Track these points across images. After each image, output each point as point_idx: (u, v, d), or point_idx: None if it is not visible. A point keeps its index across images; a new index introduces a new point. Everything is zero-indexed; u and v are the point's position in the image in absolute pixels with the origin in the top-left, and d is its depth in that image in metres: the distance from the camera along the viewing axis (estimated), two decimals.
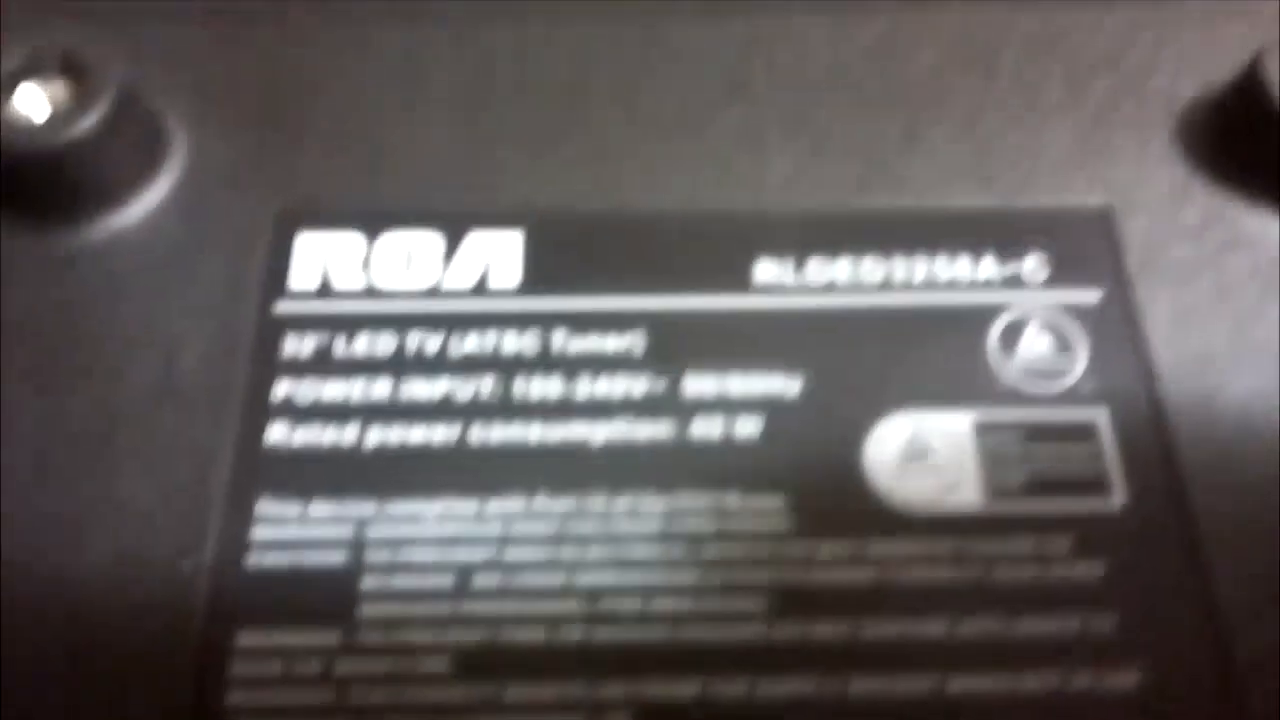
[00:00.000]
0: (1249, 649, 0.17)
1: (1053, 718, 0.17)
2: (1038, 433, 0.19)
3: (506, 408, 0.19)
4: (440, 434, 0.19)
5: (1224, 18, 0.24)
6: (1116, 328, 0.20)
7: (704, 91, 0.23)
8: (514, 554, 0.18)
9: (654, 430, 0.19)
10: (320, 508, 0.18)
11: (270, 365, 0.20)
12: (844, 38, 0.23)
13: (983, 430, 0.19)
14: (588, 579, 0.18)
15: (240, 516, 0.18)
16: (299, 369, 0.19)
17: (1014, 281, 0.20)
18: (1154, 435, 0.19)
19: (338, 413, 0.19)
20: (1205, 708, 0.17)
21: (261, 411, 0.19)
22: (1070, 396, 0.19)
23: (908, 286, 0.20)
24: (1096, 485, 0.19)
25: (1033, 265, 0.21)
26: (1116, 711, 0.17)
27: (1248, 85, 0.21)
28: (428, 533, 0.18)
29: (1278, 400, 0.19)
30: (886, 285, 0.20)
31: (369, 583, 0.18)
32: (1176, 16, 0.24)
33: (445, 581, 0.18)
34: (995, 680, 0.17)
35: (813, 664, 0.17)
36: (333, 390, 0.19)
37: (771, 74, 0.23)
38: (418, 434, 0.19)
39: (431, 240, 0.21)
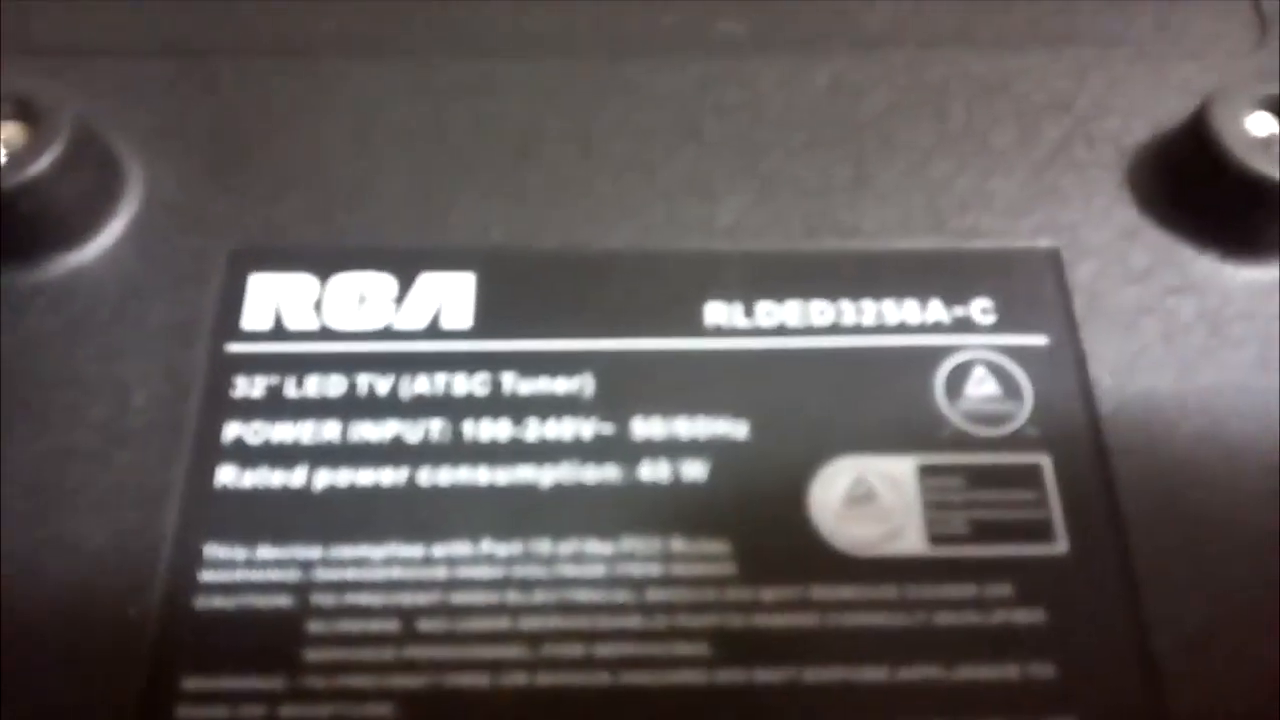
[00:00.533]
0: (1185, 701, 0.17)
1: None
2: (982, 477, 0.19)
3: (455, 450, 0.19)
4: (388, 476, 0.19)
5: (1174, 62, 0.24)
6: (1063, 371, 0.20)
7: (656, 133, 0.23)
8: (459, 598, 0.18)
9: (601, 473, 0.19)
10: (267, 551, 0.18)
11: (221, 406, 0.20)
12: (795, 80, 0.24)
13: (927, 474, 0.19)
14: (532, 623, 0.18)
15: (188, 559, 0.18)
16: (249, 410, 0.20)
17: (962, 324, 0.21)
18: (1098, 481, 0.19)
19: (287, 455, 0.19)
20: None
21: (212, 452, 0.19)
22: (1015, 441, 0.20)
23: (856, 329, 0.21)
24: (1040, 531, 0.19)
25: (980, 308, 0.21)
26: None
27: (1195, 131, 0.21)
28: (374, 576, 0.18)
29: (1221, 446, 0.20)
30: (835, 328, 0.21)
31: (314, 627, 0.18)
32: (1127, 60, 0.24)
33: (390, 626, 0.18)
34: None
35: (755, 709, 0.17)
36: (282, 432, 0.19)
37: (723, 116, 0.23)
38: (366, 476, 0.19)
39: (384, 281, 0.21)
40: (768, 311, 0.21)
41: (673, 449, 0.19)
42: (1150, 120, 0.23)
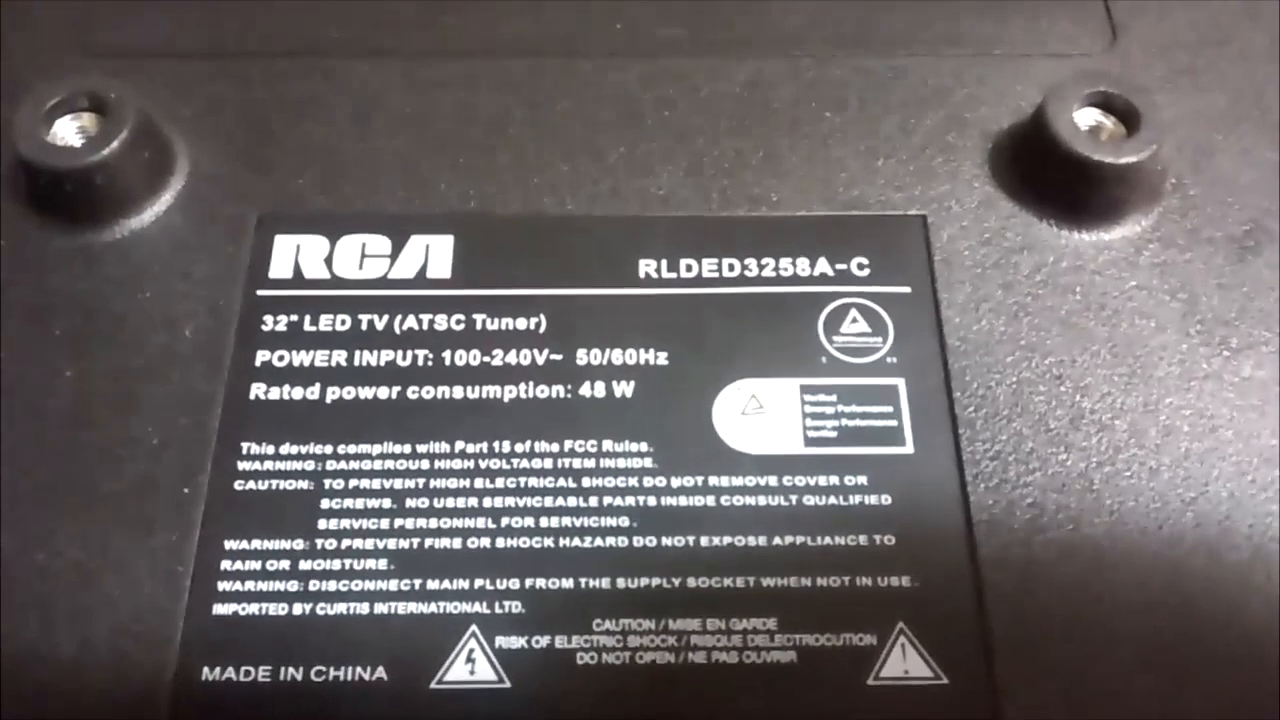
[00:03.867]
0: (993, 559, 0.23)
1: (842, 608, 0.22)
2: (850, 395, 0.24)
3: (436, 373, 0.25)
4: (384, 393, 0.24)
5: (1036, 62, 0.29)
6: (921, 314, 0.25)
7: (604, 120, 0.28)
8: (438, 483, 0.23)
9: (550, 392, 0.24)
10: (289, 448, 0.24)
11: (253, 338, 0.25)
12: (720, 78, 0.29)
13: (806, 391, 0.24)
14: (494, 503, 0.23)
15: (229, 453, 0.24)
16: (275, 341, 0.25)
17: (842, 277, 0.26)
18: (941, 398, 0.24)
19: (305, 375, 0.24)
20: (959, 603, 0.22)
21: (246, 373, 0.25)
22: (878, 367, 0.25)
23: (757, 280, 0.26)
24: (893, 436, 0.24)
25: (858, 264, 0.26)
26: (891, 607, 0.22)
27: (1037, 121, 0.27)
28: (373, 467, 0.23)
29: (1045, 368, 0.25)
30: (740, 279, 0.26)
31: (326, 504, 0.23)
32: (997, 62, 0.29)
33: (385, 503, 0.23)
34: (799, 579, 0.22)
35: (664, 567, 0.23)
36: (301, 358, 0.25)
37: (660, 107, 0.28)
38: (366, 392, 0.24)
39: (381, 241, 0.26)
40: (688, 266, 0.26)
41: (607, 373, 0.25)
42: (1011, 111, 0.28)
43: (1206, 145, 0.28)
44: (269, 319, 0.25)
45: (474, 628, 0.22)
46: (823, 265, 0.26)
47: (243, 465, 0.23)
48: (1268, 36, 0.30)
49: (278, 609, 0.22)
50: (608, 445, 0.24)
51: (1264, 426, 0.24)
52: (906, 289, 0.26)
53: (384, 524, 0.23)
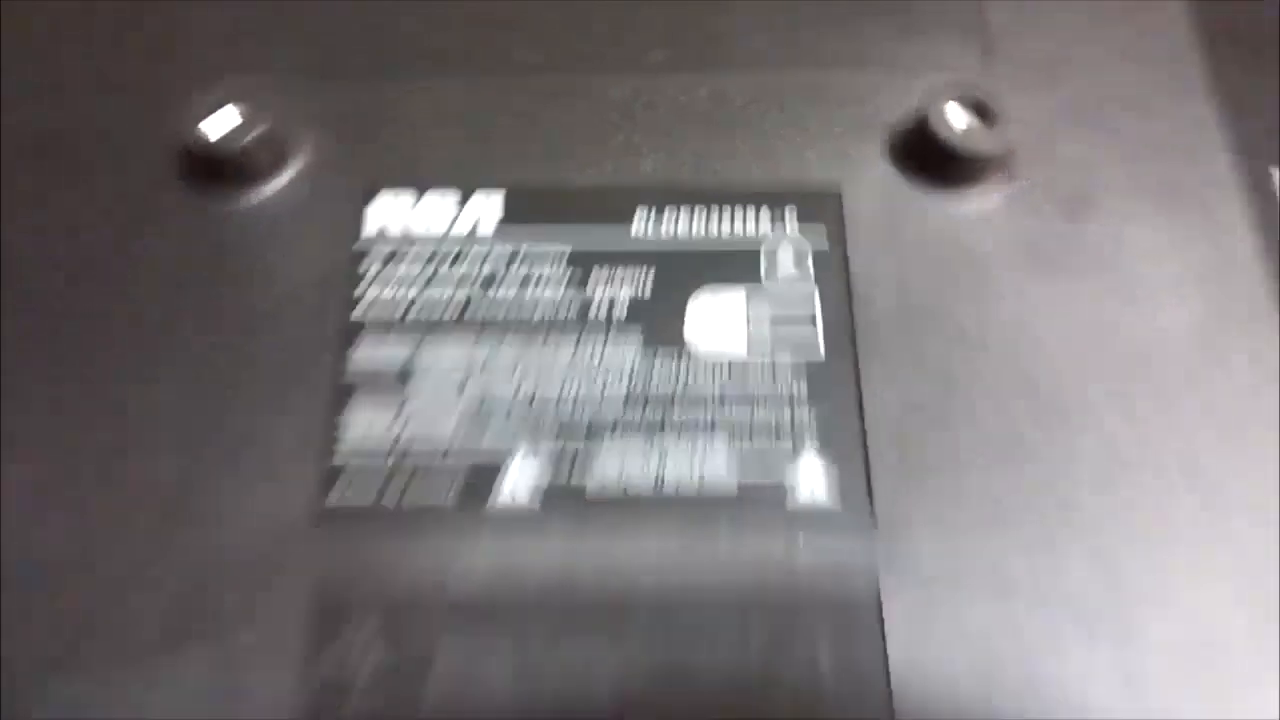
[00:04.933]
0: (880, 437, 0.33)
1: (760, 471, 0.32)
2: (780, 317, 0.34)
3: (486, 302, 0.35)
4: (450, 313, 0.34)
5: (930, 74, 0.39)
6: (834, 260, 0.35)
7: (606, 122, 0.38)
8: (491, 367, 0.33)
9: (569, 312, 0.34)
10: (385, 350, 0.34)
11: (355, 276, 0.35)
12: (693, 89, 0.39)
13: (751, 303, 0.34)
14: (529, 383, 0.33)
15: (348, 344, 0.34)
16: (371, 278, 0.35)
17: (779, 231, 0.36)
18: (845, 316, 0.34)
19: (392, 304, 0.35)
20: (856, 460, 0.32)
21: (353, 303, 0.35)
22: (801, 291, 0.35)
23: (717, 237, 0.36)
24: (811, 347, 0.34)
25: (790, 225, 0.36)
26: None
27: (923, 117, 0.37)
28: (444, 363, 0.34)
29: (924, 288, 0.35)
30: (705, 237, 0.36)
31: (413, 385, 0.33)
32: (904, 75, 0.39)
33: (459, 376, 0.33)
34: (730, 440, 0.32)
35: (651, 423, 0.33)
36: (388, 291, 0.35)
37: (647, 111, 0.38)
38: (436, 314, 0.34)
39: (450, 199, 0.36)
40: (667, 223, 0.36)
41: (609, 298, 0.35)
42: (908, 111, 0.38)
43: (1050, 134, 0.38)
44: (365, 261, 0.35)
45: (514, 461, 0.32)
46: (765, 224, 0.36)
47: (356, 356, 0.34)
48: (1109, 48, 0.40)
49: (377, 462, 0.32)
50: (609, 346, 0.34)
51: (1080, 330, 0.34)
52: (824, 244, 0.36)
53: (451, 397, 0.33)
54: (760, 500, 0.31)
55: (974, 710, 0.29)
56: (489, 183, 0.36)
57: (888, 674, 0.29)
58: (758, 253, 0.35)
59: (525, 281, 0.35)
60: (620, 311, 0.34)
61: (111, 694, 0.28)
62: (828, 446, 0.32)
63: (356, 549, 0.31)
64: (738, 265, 0.35)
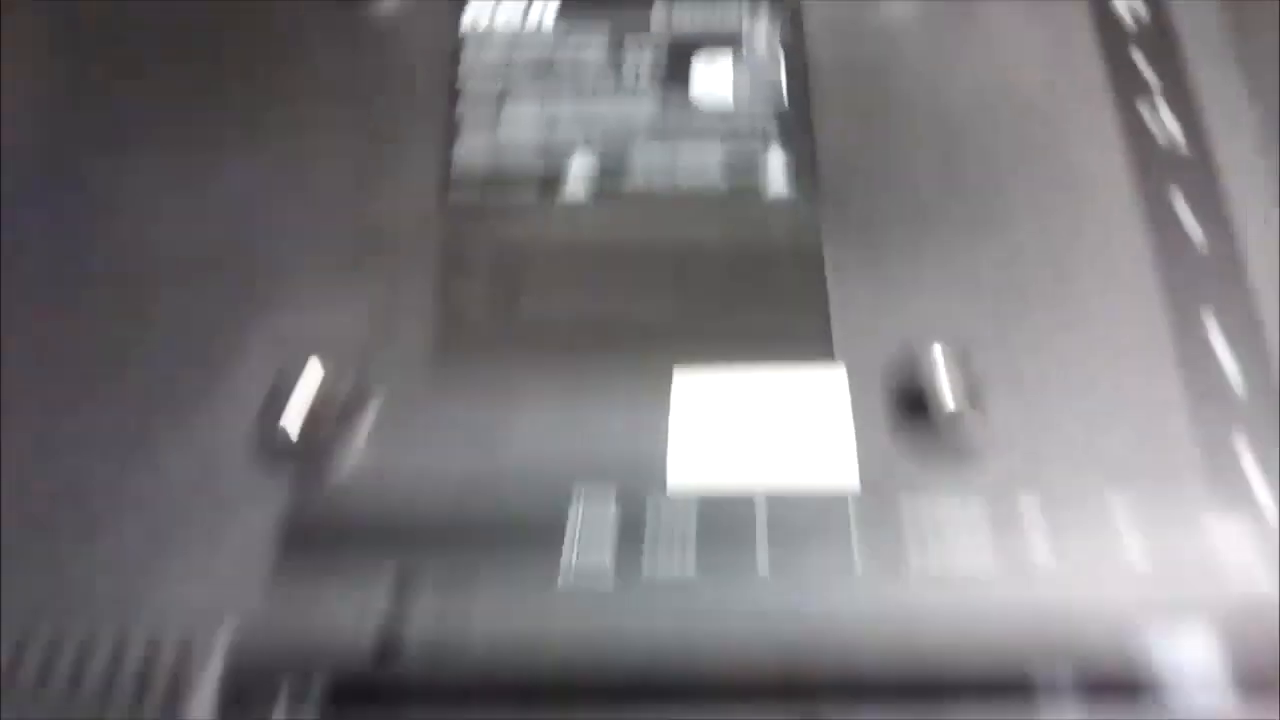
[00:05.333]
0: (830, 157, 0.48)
1: (742, 175, 0.47)
2: (756, 79, 0.50)
3: (552, 65, 0.50)
4: (527, 74, 0.50)
5: None
6: (795, 40, 0.50)
7: None
8: (557, 105, 0.49)
9: (609, 72, 0.50)
10: (484, 91, 0.49)
11: (458, 58, 0.50)
12: None
13: (736, 73, 0.49)
14: (583, 113, 0.49)
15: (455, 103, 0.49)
16: (474, 59, 0.50)
17: (757, 18, 0.51)
18: (803, 79, 0.50)
19: (492, 72, 0.50)
20: (807, 162, 0.48)
21: (460, 72, 0.50)
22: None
23: (714, 20, 0.51)
24: (778, 99, 0.49)
25: (763, 11, 0.51)
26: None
27: None
28: (523, 104, 0.49)
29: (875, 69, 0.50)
30: (705, 20, 0.51)
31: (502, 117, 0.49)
32: None
33: (531, 113, 0.49)
34: (721, 154, 0.48)
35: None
36: (489, 56, 0.50)
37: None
38: (517, 75, 0.50)
39: (521, 3, 0.52)
40: (678, 11, 0.51)
41: (637, 62, 0.50)
42: None
43: None
44: (470, 47, 0.51)
45: (573, 161, 0.47)
46: (746, 11, 0.51)
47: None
48: None
49: (482, 169, 0.48)
50: (638, 95, 0.49)
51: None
52: (789, 28, 0.51)
53: (531, 125, 0.48)
54: (742, 191, 0.47)
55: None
56: None
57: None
58: (740, 33, 0.50)
59: (579, 47, 0.50)
60: (645, 71, 0.50)
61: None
62: (789, 154, 0.47)
63: (474, 228, 0.46)
64: (727, 42, 0.50)
